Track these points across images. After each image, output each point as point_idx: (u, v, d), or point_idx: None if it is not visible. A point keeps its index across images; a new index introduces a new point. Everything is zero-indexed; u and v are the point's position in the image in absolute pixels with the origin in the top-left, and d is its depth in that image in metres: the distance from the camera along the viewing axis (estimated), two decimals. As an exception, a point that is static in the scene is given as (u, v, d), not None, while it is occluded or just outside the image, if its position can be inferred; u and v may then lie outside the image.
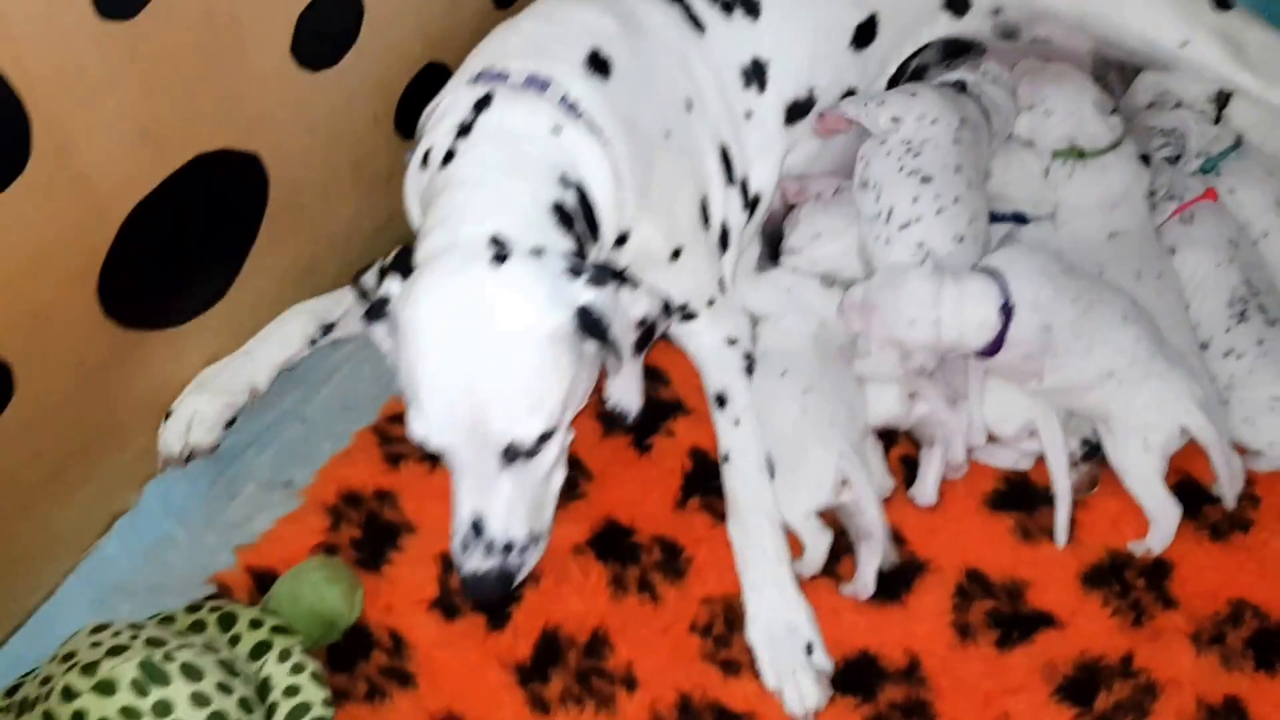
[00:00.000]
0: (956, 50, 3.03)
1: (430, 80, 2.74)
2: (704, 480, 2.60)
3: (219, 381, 2.59)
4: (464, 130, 2.29)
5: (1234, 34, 2.99)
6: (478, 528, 2.16)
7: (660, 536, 2.51)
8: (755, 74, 2.71)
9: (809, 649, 2.34)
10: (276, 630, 2.19)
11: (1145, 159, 2.86)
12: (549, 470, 2.25)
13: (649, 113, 2.48)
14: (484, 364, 2.08)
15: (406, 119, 2.72)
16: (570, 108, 2.31)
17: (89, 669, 1.93)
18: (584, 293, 2.14)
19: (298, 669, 2.13)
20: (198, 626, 2.17)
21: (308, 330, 2.69)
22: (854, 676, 2.35)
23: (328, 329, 2.71)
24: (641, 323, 2.26)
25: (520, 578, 2.24)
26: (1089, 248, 2.75)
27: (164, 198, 2.21)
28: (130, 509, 2.52)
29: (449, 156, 2.28)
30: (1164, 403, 2.45)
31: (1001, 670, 2.37)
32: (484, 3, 2.86)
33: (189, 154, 2.24)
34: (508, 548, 2.18)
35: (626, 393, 2.39)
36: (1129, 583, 2.50)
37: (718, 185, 2.67)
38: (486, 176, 2.22)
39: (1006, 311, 2.42)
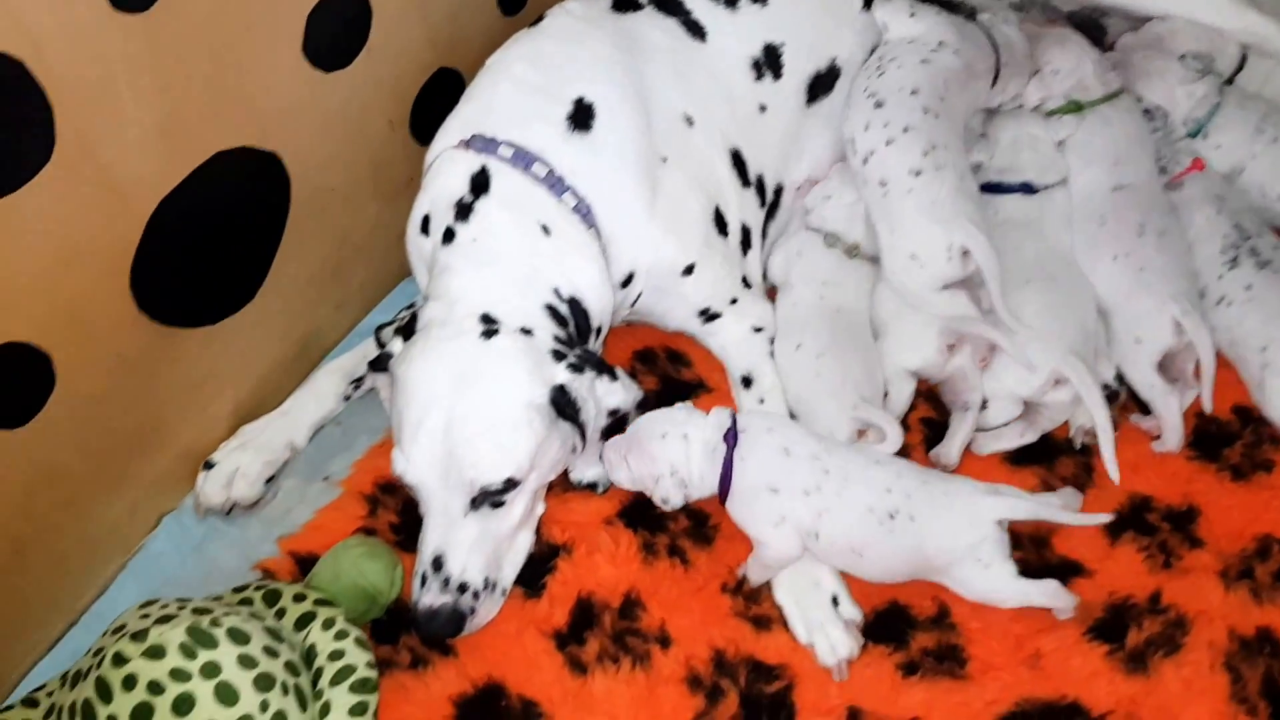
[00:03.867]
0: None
1: (442, 86, 2.86)
2: (728, 452, 2.67)
3: (261, 440, 2.70)
4: (462, 212, 2.47)
5: None
6: (438, 564, 2.30)
7: (687, 507, 2.55)
8: (769, 62, 2.81)
9: (835, 601, 2.40)
10: (320, 603, 2.27)
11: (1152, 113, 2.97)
12: (514, 527, 2.39)
13: (642, 144, 2.60)
14: (462, 414, 2.29)
15: (422, 125, 2.83)
16: (557, 182, 2.49)
17: (139, 636, 2.01)
18: (562, 375, 2.34)
19: (341, 635, 2.21)
20: (244, 604, 2.26)
21: (339, 388, 2.80)
22: (885, 626, 2.41)
23: (358, 383, 2.82)
24: (614, 412, 2.46)
25: (472, 624, 2.34)
26: (1095, 201, 2.83)
27: (189, 194, 2.32)
28: (175, 509, 2.62)
29: (449, 234, 2.47)
30: (961, 527, 2.37)
31: (1031, 614, 2.40)
32: (491, 11, 2.98)
33: (209, 151, 2.35)
34: (463, 588, 2.30)
35: (590, 468, 2.53)
36: (1154, 525, 2.55)
37: (732, 191, 2.77)
38: (484, 274, 2.42)
39: (731, 443, 2.45)
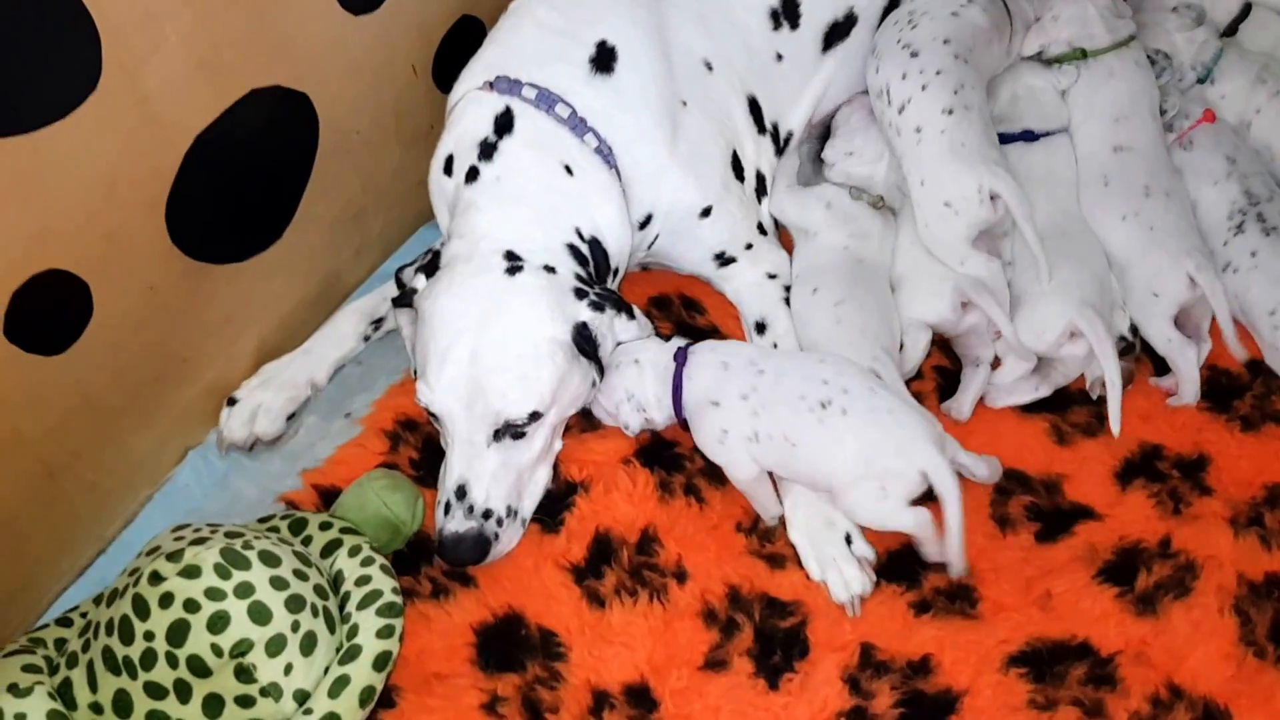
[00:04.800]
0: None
1: (465, 34, 2.97)
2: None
3: (283, 377, 2.81)
4: (486, 151, 2.58)
5: None
6: (461, 492, 2.42)
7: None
8: (787, 11, 2.92)
9: (848, 539, 2.51)
10: (345, 531, 2.40)
11: (1154, 58, 3.03)
12: (534, 460, 2.52)
13: (663, 87, 2.71)
14: (487, 346, 2.41)
15: (444, 72, 2.94)
16: (580, 123, 2.60)
17: (174, 556, 2.12)
18: (584, 313, 2.47)
19: (368, 562, 2.33)
20: (271, 531, 2.37)
21: (360, 328, 2.92)
22: (898, 566, 2.51)
23: (378, 324, 2.93)
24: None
25: (495, 551, 2.46)
26: (1096, 162, 2.91)
27: (224, 130, 2.44)
28: (200, 442, 2.75)
29: (473, 173, 2.58)
30: (901, 450, 2.44)
31: (1042, 557, 2.52)
32: (514, -46, 3.08)
33: (245, 88, 2.46)
34: (486, 514, 2.43)
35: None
36: (1164, 473, 2.65)
37: (749, 137, 2.88)
38: (508, 212, 2.54)
39: (680, 362, 2.59)
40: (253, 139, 2.54)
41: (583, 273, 2.54)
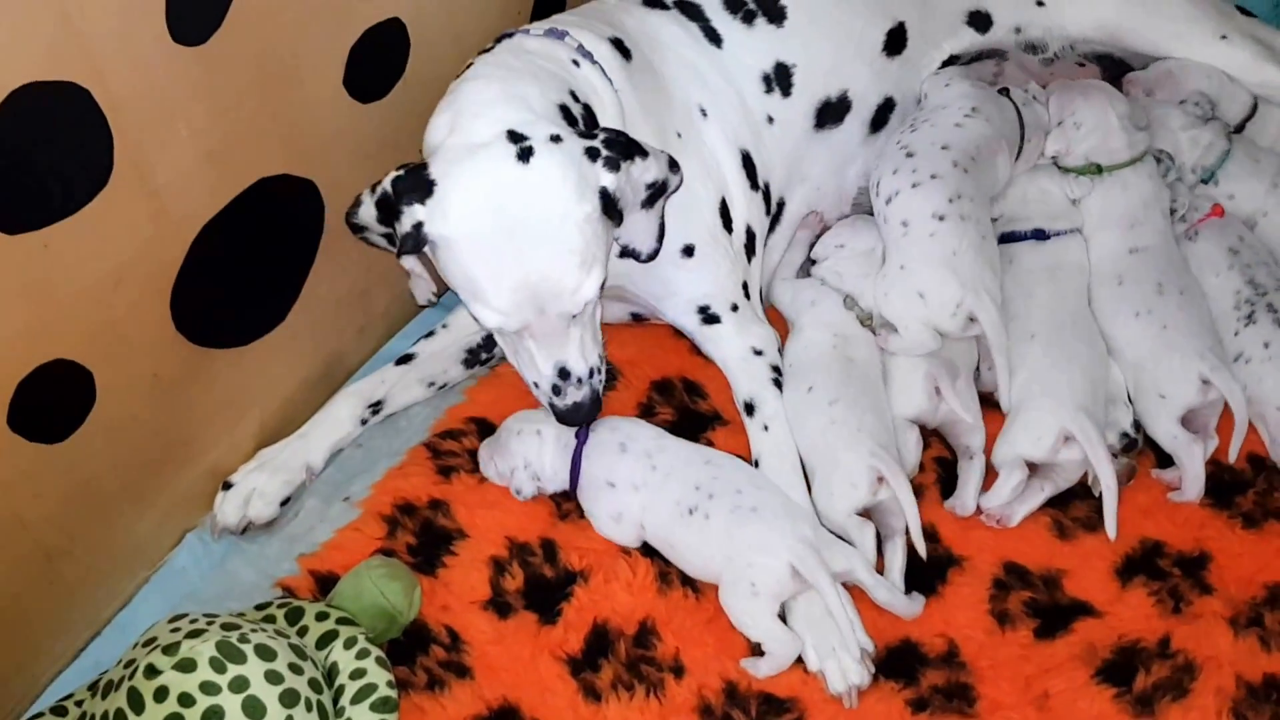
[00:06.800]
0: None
1: (472, 115, 3.06)
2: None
3: (278, 461, 2.88)
4: (484, 53, 2.67)
5: (1262, 36, 3.29)
6: (564, 373, 2.56)
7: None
8: (779, 78, 3.02)
9: (847, 629, 2.55)
10: (341, 621, 2.44)
11: (1159, 158, 3.10)
12: (594, 310, 2.58)
13: (662, 110, 2.81)
14: (538, 251, 2.39)
15: (449, 153, 3.03)
16: (588, 55, 2.68)
17: (170, 649, 2.17)
18: (605, 178, 2.44)
19: (363, 654, 2.38)
20: (268, 620, 2.43)
21: (356, 413, 2.98)
22: (895, 662, 2.56)
23: (375, 408, 2.99)
24: (651, 184, 2.56)
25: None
26: (1110, 264, 2.97)
27: (232, 219, 2.53)
28: (199, 525, 2.82)
29: (465, 69, 2.64)
30: (765, 545, 2.55)
31: (1041, 654, 2.57)
32: (521, 39, 3.19)
33: (252, 177, 2.56)
34: (591, 373, 2.59)
35: (637, 235, 2.64)
36: (1165, 571, 2.70)
37: (739, 189, 2.96)
38: (498, 74, 2.57)
39: (581, 440, 2.76)
40: (259, 227, 2.63)
41: (581, 129, 2.53)
